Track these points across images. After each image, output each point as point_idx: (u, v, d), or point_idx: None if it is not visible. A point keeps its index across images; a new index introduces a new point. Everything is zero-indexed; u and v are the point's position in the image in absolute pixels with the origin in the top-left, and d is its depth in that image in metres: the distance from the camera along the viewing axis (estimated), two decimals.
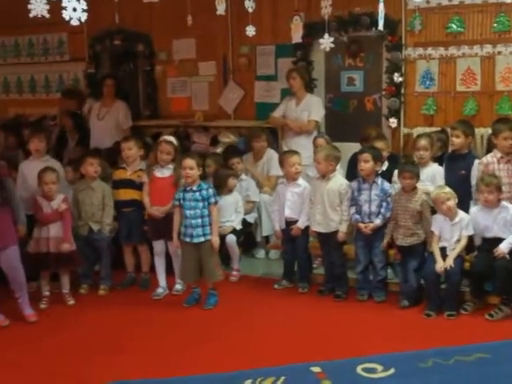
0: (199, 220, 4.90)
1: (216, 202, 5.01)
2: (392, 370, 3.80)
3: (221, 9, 5.08)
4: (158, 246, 5.29)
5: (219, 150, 6.78)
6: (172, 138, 5.35)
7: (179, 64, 7.63)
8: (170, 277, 5.36)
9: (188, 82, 7.62)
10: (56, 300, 5.14)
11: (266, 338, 4.39)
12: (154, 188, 5.22)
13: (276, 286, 5.40)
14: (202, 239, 4.93)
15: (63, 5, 2.93)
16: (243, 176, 6.10)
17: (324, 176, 5.12)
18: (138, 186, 5.39)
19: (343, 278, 5.15)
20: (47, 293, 5.14)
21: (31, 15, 3.04)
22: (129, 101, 7.39)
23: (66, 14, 3.02)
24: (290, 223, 5.31)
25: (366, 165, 4.95)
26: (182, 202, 4.94)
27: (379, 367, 3.84)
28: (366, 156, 4.96)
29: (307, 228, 5.26)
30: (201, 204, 4.91)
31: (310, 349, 4.17)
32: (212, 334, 4.51)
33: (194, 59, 7.53)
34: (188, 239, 4.95)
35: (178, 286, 5.30)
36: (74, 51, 8.28)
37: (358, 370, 3.83)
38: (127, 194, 5.43)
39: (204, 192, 4.93)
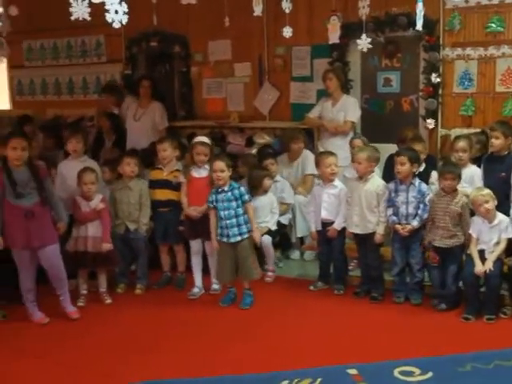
0: (234, 220, 4.93)
1: (250, 200, 5.02)
2: (430, 374, 3.76)
3: (258, 10, 5.09)
4: (195, 245, 5.31)
5: (254, 150, 6.79)
6: (206, 139, 5.37)
7: (215, 65, 7.66)
8: (206, 277, 5.38)
9: (223, 82, 7.64)
10: (93, 298, 5.20)
11: (301, 339, 4.38)
12: (192, 188, 5.25)
13: (311, 288, 5.38)
14: (238, 238, 4.95)
15: (106, 7, 2.95)
16: (278, 177, 6.09)
17: (362, 177, 5.09)
18: (175, 187, 5.43)
19: (379, 280, 5.12)
20: (85, 291, 5.21)
21: (73, 18, 3.09)
22: (165, 102, 7.45)
23: (108, 17, 3.04)
24: (326, 224, 5.29)
25: (403, 167, 4.91)
26: (215, 203, 4.97)
27: (417, 371, 3.80)
28: (403, 159, 4.91)
29: (343, 229, 5.23)
30: (234, 204, 4.94)
31: (345, 351, 4.16)
32: (247, 334, 4.52)
33: (230, 60, 7.56)
34: (225, 239, 4.97)
35: (215, 286, 5.32)
36: (111, 53, 8.38)
37: (395, 373, 3.80)
38: (163, 194, 5.47)
39: (236, 191, 4.96)
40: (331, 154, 5.36)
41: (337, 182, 5.32)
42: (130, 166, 5.39)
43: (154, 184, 5.52)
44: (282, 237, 6.13)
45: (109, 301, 5.20)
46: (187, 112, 7.84)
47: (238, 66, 7.53)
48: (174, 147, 5.56)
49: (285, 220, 6.08)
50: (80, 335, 4.57)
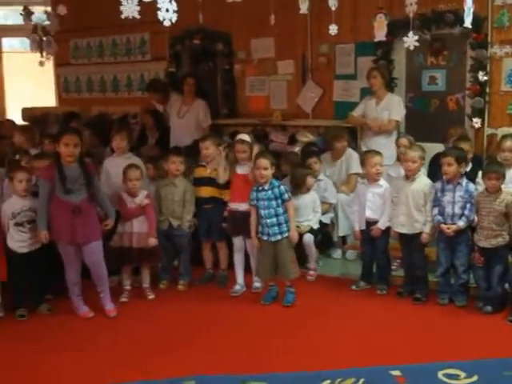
0: (274, 219, 4.92)
1: (290, 198, 5.01)
2: (475, 377, 3.70)
3: (304, 8, 5.08)
4: (238, 242, 5.33)
5: (297, 149, 6.77)
6: (246, 137, 5.36)
7: (258, 63, 7.68)
8: (248, 274, 5.39)
9: (266, 80, 7.66)
10: (136, 294, 5.25)
11: (343, 339, 4.35)
12: (235, 185, 5.27)
13: (353, 287, 5.35)
14: (278, 237, 4.94)
15: (158, 5, 2.98)
16: (321, 176, 6.06)
17: (409, 176, 5.03)
18: (218, 184, 5.45)
19: (423, 281, 5.05)
20: (128, 287, 5.26)
21: (123, 16, 3.12)
22: (208, 99, 7.48)
23: (160, 15, 3.07)
24: (369, 224, 5.25)
25: (450, 168, 4.83)
26: (256, 202, 4.97)
27: (462, 374, 3.74)
28: (449, 159, 4.83)
29: (387, 229, 5.19)
30: (274, 202, 4.93)
31: (388, 351, 4.11)
32: (289, 332, 4.51)
33: (273, 58, 7.57)
34: (265, 237, 4.98)
35: (257, 284, 5.32)
36: (155, 51, 8.48)
37: (440, 375, 3.75)
38: (207, 192, 5.50)
39: (276, 190, 4.94)
40: (377, 153, 5.31)
41: (382, 182, 5.27)
42: (175, 164, 5.42)
43: (198, 181, 5.56)
44: (324, 236, 6.11)
45: (152, 296, 5.25)
46: (230, 110, 7.88)
47: (281, 64, 7.53)
48: (216, 145, 5.59)
49: (327, 219, 6.05)
50: (123, 330, 4.62)
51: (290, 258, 5.00)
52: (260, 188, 4.96)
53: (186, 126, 7.24)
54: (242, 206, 5.20)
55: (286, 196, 4.97)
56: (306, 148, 6.55)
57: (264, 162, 4.91)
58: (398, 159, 5.79)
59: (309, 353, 4.14)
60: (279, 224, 4.93)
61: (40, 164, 5.19)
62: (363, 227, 5.29)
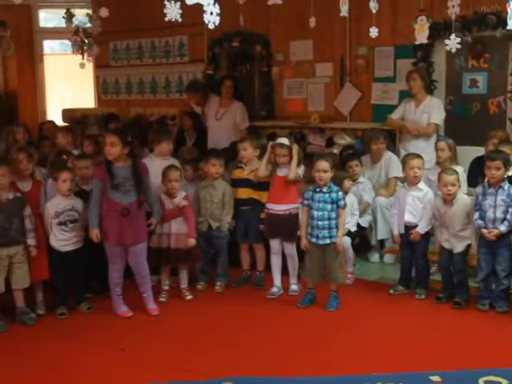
0: (326, 222, 4.90)
1: (345, 206, 4.98)
2: None
3: (344, 10, 5.07)
4: (275, 245, 5.33)
5: (335, 151, 6.76)
6: (286, 140, 5.34)
7: (296, 65, 7.68)
8: (285, 277, 5.38)
9: (304, 83, 7.65)
10: (174, 294, 5.29)
11: (381, 343, 4.32)
12: (274, 186, 5.26)
13: (391, 291, 5.31)
14: (327, 241, 4.92)
15: (204, 9, 3.02)
16: (360, 178, 6.02)
17: (448, 200, 4.96)
18: (256, 185, 5.47)
19: (464, 285, 4.99)
20: (167, 287, 5.30)
21: (166, 19, 3.16)
22: (245, 101, 7.51)
23: (206, 18, 3.11)
24: (409, 228, 5.20)
25: (498, 172, 4.75)
26: (310, 201, 4.95)
27: (504, 381, 3.68)
28: (498, 163, 4.74)
29: (427, 233, 5.14)
30: (329, 206, 4.90)
31: (427, 357, 4.07)
32: (327, 335, 4.49)
33: (311, 60, 7.56)
34: (314, 240, 4.96)
35: (294, 287, 5.32)
36: (193, 53, 8.54)
37: (480, 382, 3.69)
38: (245, 193, 5.51)
39: (334, 195, 4.91)
40: (417, 156, 5.27)
41: (422, 185, 5.22)
42: (215, 167, 5.45)
43: (236, 182, 5.58)
44: (362, 239, 6.08)
45: (189, 297, 5.28)
46: (268, 112, 7.89)
47: (319, 67, 7.52)
48: (254, 147, 5.60)
49: (365, 222, 6.02)
50: (160, 330, 4.66)
51: (338, 263, 4.98)
52: (318, 189, 4.93)
53: (223, 128, 7.28)
54: (280, 208, 5.21)
55: (342, 203, 4.93)
56: (344, 151, 6.54)
57: (324, 164, 4.88)
58: (438, 163, 5.74)
59: (347, 356, 4.13)
60: (330, 228, 4.90)
61: (81, 164, 5.28)
62: (402, 231, 5.25)
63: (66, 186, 4.86)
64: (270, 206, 5.28)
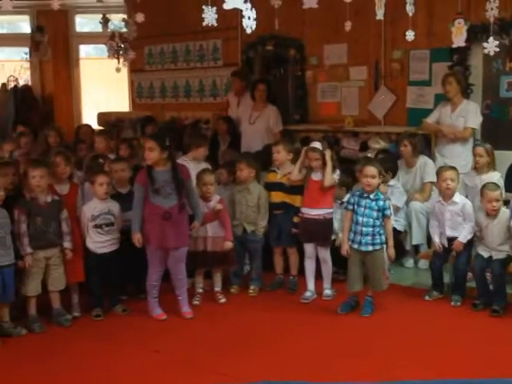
0: (370, 229, 4.84)
1: (391, 215, 4.95)
2: None
3: (380, 14, 5.04)
4: (309, 249, 5.31)
5: (369, 155, 6.71)
6: (318, 144, 5.31)
7: (330, 69, 7.65)
8: (319, 281, 5.36)
9: (338, 86, 7.62)
10: (208, 297, 5.30)
11: (416, 350, 4.26)
12: (309, 191, 5.25)
13: (427, 298, 5.24)
14: (369, 248, 4.87)
15: (243, 13, 3.04)
16: (392, 182, 5.96)
17: (491, 215, 4.92)
18: (289, 189, 5.45)
19: (501, 293, 4.90)
20: (201, 290, 5.32)
21: (204, 24, 3.18)
22: (278, 105, 7.51)
23: (244, 23, 3.13)
24: (451, 239, 5.16)
25: None
26: (355, 207, 4.91)
27: None
28: None
29: (470, 241, 5.09)
30: (375, 214, 4.84)
31: (466, 365, 4.01)
32: (362, 341, 4.45)
33: (345, 64, 7.53)
34: (356, 246, 4.91)
35: (328, 292, 5.29)
36: (227, 57, 8.58)
37: None
38: (278, 197, 5.50)
39: (381, 202, 4.86)
40: (451, 168, 5.21)
41: (457, 198, 5.14)
42: (242, 171, 5.44)
43: (269, 186, 5.57)
44: (396, 244, 6.00)
45: (223, 300, 5.29)
46: (301, 116, 7.88)
47: (353, 70, 7.49)
48: (287, 150, 5.58)
49: (400, 226, 5.96)
50: (194, 332, 4.67)
51: (381, 271, 4.94)
52: (365, 195, 4.89)
53: (256, 131, 7.30)
54: (315, 213, 5.19)
55: (388, 212, 4.88)
56: (378, 155, 6.48)
57: (371, 169, 4.85)
58: (475, 168, 5.67)
59: (379, 362, 4.09)
60: (373, 235, 4.85)
61: (118, 167, 5.33)
62: (445, 244, 5.18)
63: (102, 189, 4.92)
64: (304, 210, 5.27)
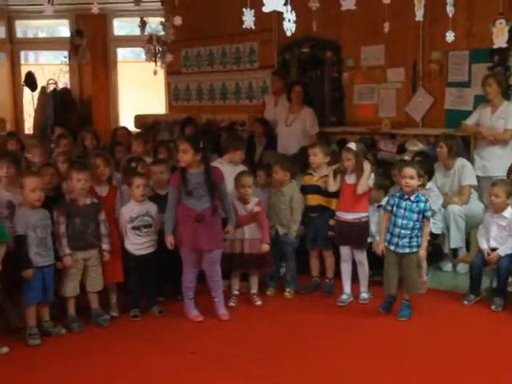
0: (408, 231, 4.80)
1: (430, 217, 4.91)
2: None
3: (419, 15, 5.00)
4: (345, 252, 5.28)
5: (406, 157, 6.64)
6: (353, 145, 5.25)
7: (367, 71, 7.61)
8: (355, 284, 5.32)
9: (376, 88, 7.57)
10: (244, 299, 5.31)
11: (456, 358, 4.18)
12: (344, 194, 5.22)
13: (466, 302, 5.16)
14: (406, 250, 4.83)
15: (284, 16, 3.04)
16: (429, 185, 5.87)
17: None
18: (325, 192, 5.42)
19: None
20: (237, 292, 5.33)
21: (244, 26, 3.21)
22: (314, 107, 7.49)
23: (285, 26, 3.14)
24: (493, 249, 5.12)
25: None
26: (395, 208, 4.87)
27: None
28: None
29: None
30: (415, 216, 4.80)
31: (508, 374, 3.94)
32: (401, 346, 4.40)
33: (383, 66, 7.48)
34: (392, 247, 4.88)
35: (365, 295, 5.26)
36: (263, 59, 8.59)
37: None
38: (314, 200, 5.47)
39: (421, 204, 4.80)
40: (502, 183, 5.16)
41: (507, 212, 5.07)
42: (278, 174, 5.44)
43: (305, 189, 5.55)
44: (434, 247, 5.94)
45: (259, 302, 5.29)
46: (337, 118, 7.85)
47: (390, 72, 7.43)
48: (324, 153, 5.55)
49: (437, 230, 5.89)
50: (231, 335, 4.68)
51: (417, 273, 4.89)
52: (405, 196, 4.85)
53: (292, 133, 7.30)
54: (350, 216, 5.16)
55: (429, 213, 4.84)
56: (415, 157, 6.41)
57: (410, 170, 4.81)
58: None
59: (416, 368, 4.03)
60: (411, 237, 4.81)
61: (157, 169, 5.38)
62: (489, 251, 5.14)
63: (139, 191, 4.96)
64: (339, 213, 5.24)
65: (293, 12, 3.16)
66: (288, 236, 5.45)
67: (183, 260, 4.90)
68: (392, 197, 4.93)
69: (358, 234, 5.15)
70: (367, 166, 5.11)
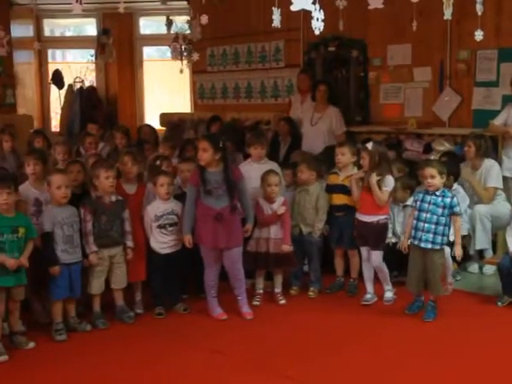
0: (433, 226, 4.77)
1: (460, 213, 4.88)
2: None
3: (448, 13, 4.95)
4: (364, 252, 5.25)
5: (432, 157, 6.58)
6: (370, 144, 5.20)
7: (393, 70, 7.56)
8: (379, 284, 5.28)
9: (402, 88, 7.52)
10: (268, 298, 5.31)
11: (485, 364, 4.10)
12: (363, 197, 5.16)
13: (499, 304, 5.08)
14: (428, 246, 4.80)
15: (313, 15, 3.04)
16: (455, 186, 5.82)
17: None
18: (350, 191, 5.39)
19: None
20: (261, 290, 5.32)
21: (273, 25, 3.22)
22: (340, 106, 7.46)
23: (313, 25, 3.14)
24: None
25: None
26: (420, 203, 4.84)
27: None
28: None
29: None
30: (440, 210, 4.77)
31: None
32: (426, 347, 4.35)
33: (409, 65, 7.42)
34: (416, 242, 4.85)
35: (389, 294, 5.22)
36: (289, 58, 8.58)
37: None
38: (339, 199, 5.44)
39: (447, 200, 4.77)
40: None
41: None
42: (303, 174, 5.42)
43: (331, 188, 5.52)
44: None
45: (283, 301, 5.28)
46: (363, 117, 7.81)
47: (417, 71, 7.37)
48: (352, 152, 5.50)
49: (463, 230, 5.80)
50: (257, 333, 4.67)
51: (439, 273, 4.85)
52: (430, 192, 4.83)
53: (318, 133, 7.28)
54: (368, 219, 5.11)
55: (457, 209, 4.79)
56: (442, 158, 6.35)
57: (430, 170, 4.78)
58: None
59: (441, 371, 3.98)
60: (435, 233, 4.77)
61: (184, 167, 5.39)
62: None
63: (163, 190, 4.97)
64: (358, 215, 5.21)
65: (321, 11, 3.15)
66: (312, 235, 5.43)
67: (204, 258, 4.92)
68: (418, 193, 4.92)
69: (373, 235, 5.09)
70: (373, 179, 5.03)
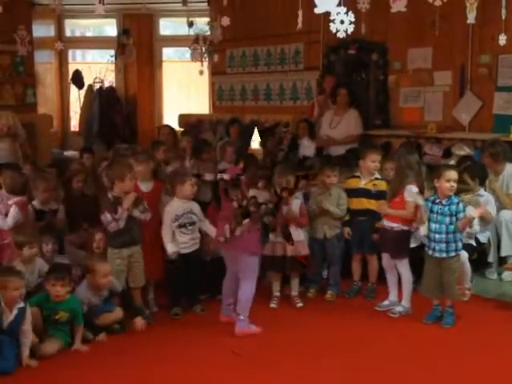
0: (443, 236, 4.74)
1: (464, 218, 4.81)
2: None
3: (471, 17, 4.92)
4: (384, 259, 5.21)
5: (451, 162, 6.54)
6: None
7: (413, 73, 7.52)
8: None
9: (422, 91, 7.48)
10: (285, 301, 5.29)
11: (509, 368, 4.09)
12: (393, 205, 5.10)
13: None
14: (443, 255, 4.76)
15: (331, 17, 3.03)
16: (481, 191, 5.75)
17: None
18: (374, 195, 5.35)
19: None
20: (278, 293, 5.31)
21: (298, 28, 3.22)
22: (359, 110, 7.45)
23: (333, 27, 3.12)
24: None
25: None
26: (428, 213, 4.81)
27: None
28: None
29: None
30: (447, 219, 4.73)
31: None
32: (445, 354, 4.32)
33: (430, 69, 7.38)
34: (430, 252, 4.82)
35: (399, 309, 5.06)
36: (308, 60, 8.58)
37: None
38: (360, 203, 5.39)
39: (453, 207, 4.74)
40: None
41: None
42: (329, 178, 5.40)
43: (351, 192, 5.47)
44: (480, 255, 5.82)
45: (300, 304, 5.25)
46: (382, 120, 7.79)
47: (437, 75, 7.34)
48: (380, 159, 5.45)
49: (483, 238, 5.76)
50: (271, 336, 4.64)
51: (455, 279, 4.81)
52: (437, 201, 4.80)
53: (337, 135, 7.25)
54: (394, 226, 5.06)
55: (462, 215, 4.73)
56: (461, 162, 6.30)
57: (454, 174, 4.76)
58: None
59: (462, 380, 3.96)
60: (447, 242, 4.74)
61: None
62: None
63: (193, 190, 4.99)
64: (384, 221, 5.16)
65: (349, 13, 3.14)
66: (333, 239, 5.39)
67: (225, 260, 4.86)
68: (426, 202, 4.86)
69: (395, 243, 5.04)
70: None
